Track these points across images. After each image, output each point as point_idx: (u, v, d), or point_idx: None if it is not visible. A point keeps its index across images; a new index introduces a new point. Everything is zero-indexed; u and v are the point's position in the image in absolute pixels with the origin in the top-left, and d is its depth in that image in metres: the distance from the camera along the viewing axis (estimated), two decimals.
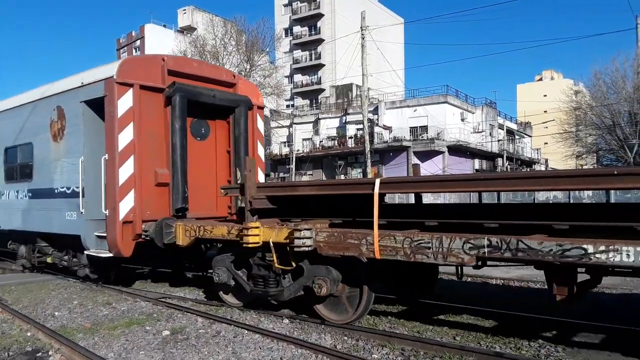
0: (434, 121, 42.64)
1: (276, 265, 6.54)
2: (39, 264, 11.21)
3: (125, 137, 8.39)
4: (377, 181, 5.70)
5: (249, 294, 7.23)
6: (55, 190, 9.84)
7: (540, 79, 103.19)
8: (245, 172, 6.90)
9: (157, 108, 8.83)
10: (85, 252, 9.11)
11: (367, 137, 29.63)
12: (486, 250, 4.81)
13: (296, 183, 7.09)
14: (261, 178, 10.28)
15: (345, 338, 6.02)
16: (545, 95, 76.57)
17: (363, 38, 28.94)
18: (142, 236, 8.42)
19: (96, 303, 8.36)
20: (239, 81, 10.44)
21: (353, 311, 6.33)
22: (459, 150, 43.57)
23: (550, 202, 21.99)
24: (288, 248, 6.33)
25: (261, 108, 10.70)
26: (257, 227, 6.54)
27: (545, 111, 57.47)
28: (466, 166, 44.17)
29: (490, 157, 49.82)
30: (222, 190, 8.10)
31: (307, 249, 6.04)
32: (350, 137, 45.09)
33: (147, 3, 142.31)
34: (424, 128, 43.62)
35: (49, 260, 10.73)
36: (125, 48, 72.03)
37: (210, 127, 9.91)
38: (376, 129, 42.88)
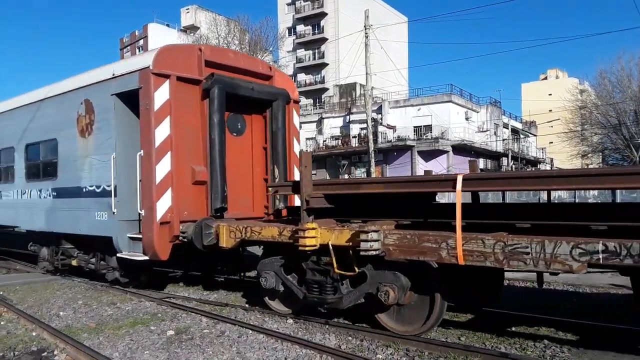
0: (438, 120, 42.54)
1: (336, 270, 6.03)
2: (62, 266, 10.66)
3: (162, 132, 7.94)
4: (460, 177, 5.16)
5: (301, 300, 6.71)
6: (84, 189, 9.32)
7: (545, 78, 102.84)
8: (301, 168, 6.31)
9: (194, 101, 8.39)
10: (118, 254, 8.58)
11: (370, 137, 29.55)
12: (601, 257, 4.34)
13: (359, 180, 6.33)
14: (296, 177, 9.67)
15: (350, 338, 6.04)
16: (550, 94, 76.38)
17: (366, 37, 28.88)
18: (180, 238, 7.96)
19: (101, 303, 8.41)
20: (275, 73, 9.93)
21: (422, 322, 5.79)
22: (463, 149, 43.43)
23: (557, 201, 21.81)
24: (351, 252, 5.84)
25: (297, 102, 10.15)
26: (314, 229, 6.03)
27: (550, 110, 57.26)
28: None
29: (495, 156, 49.68)
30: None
31: (374, 252, 5.49)
32: (354, 137, 45.04)
33: (150, 2, 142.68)
34: (428, 127, 43.53)
35: (74, 263, 10.22)
36: (128, 48, 72.27)
37: (247, 122, 9.39)
38: (380, 129, 42.80)
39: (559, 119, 45.56)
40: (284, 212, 8.83)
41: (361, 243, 5.50)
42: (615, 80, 39.68)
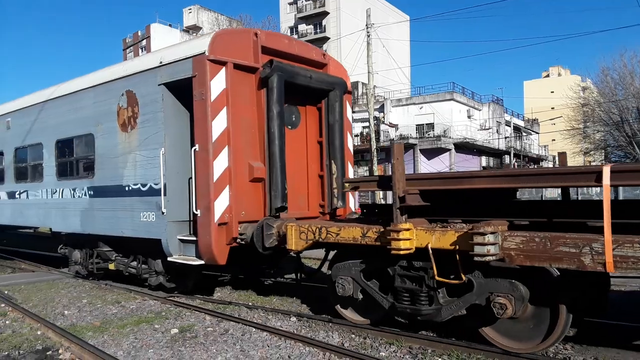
0: (441, 118, 42.52)
1: (436, 277, 5.31)
2: (97, 270, 9.92)
3: (219, 124, 7.29)
4: (607, 169, 4.37)
5: (385, 310, 6.05)
6: (126, 188, 8.61)
7: (548, 76, 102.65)
8: (394, 161, 5.52)
9: (249, 91, 7.74)
10: (168, 258, 7.89)
11: (373, 135, 29.56)
12: None
13: (466, 174, 5.54)
14: (350, 174, 9.10)
15: (353, 336, 6.04)
16: (552, 92, 76.20)
17: (368, 36, 28.86)
18: (237, 240, 7.35)
19: (105, 302, 8.42)
20: (329, 61, 9.12)
21: (541, 337, 5.06)
22: (465, 147, 43.42)
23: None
24: (457, 256, 5.12)
25: (349, 93, 9.29)
26: (408, 229, 5.37)
27: (552, 108, 57.15)
28: (473, 163, 44.02)
29: (497, 154, 49.64)
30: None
31: (491, 258, 4.74)
32: (357, 135, 44.96)
33: (153, 2, 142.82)
34: (431, 125, 43.52)
35: (111, 266, 9.50)
36: (131, 48, 72.36)
37: (301, 114, 8.68)
38: (382, 127, 42.81)
39: (561, 117, 45.42)
40: (339, 212, 8.56)
41: (475, 247, 4.77)
42: (617, 78, 39.54)
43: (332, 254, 6.98)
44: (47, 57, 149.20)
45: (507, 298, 4.97)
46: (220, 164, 7.27)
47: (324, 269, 7.45)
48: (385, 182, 5.92)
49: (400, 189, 5.43)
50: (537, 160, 58.48)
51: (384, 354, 5.41)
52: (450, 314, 5.46)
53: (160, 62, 8.01)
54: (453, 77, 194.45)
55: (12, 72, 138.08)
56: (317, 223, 6.67)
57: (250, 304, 7.89)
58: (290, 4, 65.60)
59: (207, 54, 7.25)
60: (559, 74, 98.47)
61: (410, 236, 5.35)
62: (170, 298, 8.35)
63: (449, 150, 41.86)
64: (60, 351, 5.80)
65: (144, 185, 8.29)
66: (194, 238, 7.60)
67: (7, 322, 7.30)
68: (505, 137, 50.71)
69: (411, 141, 41.59)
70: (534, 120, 63.02)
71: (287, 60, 8.14)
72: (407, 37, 68.57)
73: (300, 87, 8.12)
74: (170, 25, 72.61)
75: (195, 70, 7.37)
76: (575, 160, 47.63)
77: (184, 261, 7.63)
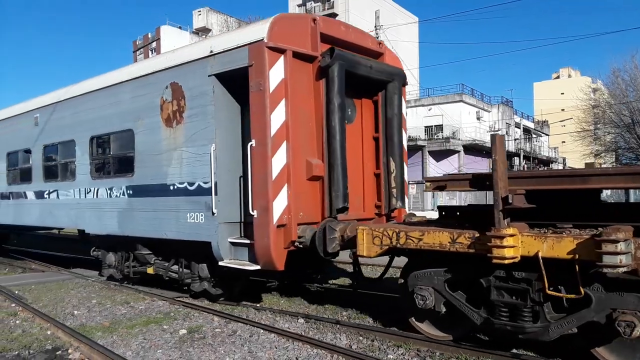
0: (449, 120, 42.37)
1: (547, 291, 4.69)
2: (134, 274, 9.42)
3: (278, 117, 6.75)
4: None
5: (475, 325, 5.44)
6: (171, 187, 8.10)
7: (558, 77, 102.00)
8: (495, 156, 4.90)
9: (307, 81, 7.22)
10: (220, 263, 7.31)
11: None
12: None
13: (585, 172, 4.85)
14: (406, 173, 8.44)
15: (361, 338, 6.03)
16: (562, 93, 75.69)
17: (377, 37, 28.88)
18: (296, 244, 6.81)
19: (114, 302, 8.48)
20: (385, 50, 8.54)
21: None
22: (474, 149, 43.19)
23: None
24: (577, 267, 4.52)
25: (404, 85, 8.62)
26: (513, 235, 4.76)
27: (562, 109, 56.76)
28: (482, 165, 43.77)
29: (506, 156, 49.32)
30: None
31: (623, 269, 4.18)
32: None
33: (163, 5, 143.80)
34: (439, 127, 43.38)
35: (149, 270, 9.02)
36: (141, 50, 72.83)
37: (356, 108, 8.16)
38: None
39: (571, 118, 45.04)
40: (396, 213, 8.14)
41: (604, 256, 4.18)
42: (628, 79, 39.13)
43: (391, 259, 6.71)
44: (47, 57, 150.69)
45: (635, 316, 4.37)
46: (278, 160, 6.76)
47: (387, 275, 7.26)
48: (480, 181, 5.26)
49: (503, 189, 4.83)
50: (547, 162, 58.06)
51: (391, 356, 5.41)
52: (560, 333, 4.83)
53: (211, 52, 7.47)
54: (462, 78, 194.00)
55: (12, 72, 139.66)
56: (394, 227, 6.09)
57: (258, 305, 7.91)
58: (299, 5, 65.69)
59: (265, 40, 6.71)
60: (569, 76, 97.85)
61: (515, 243, 4.75)
62: (179, 299, 8.39)
63: (458, 152, 41.68)
64: (69, 351, 5.86)
65: (191, 184, 7.78)
66: (248, 241, 7.10)
67: (17, 321, 7.38)
68: (515, 139, 50.41)
69: (420, 143, 41.49)
70: (544, 122, 62.61)
71: (344, 48, 7.55)
72: (416, 38, 68.46)
73: (360, 77, 7.58)
74: (180, 28, 73.02)
75: (252, 59, 6.85)
76: (585, 163, 47.25)
77: (238, 266, 7.08)
